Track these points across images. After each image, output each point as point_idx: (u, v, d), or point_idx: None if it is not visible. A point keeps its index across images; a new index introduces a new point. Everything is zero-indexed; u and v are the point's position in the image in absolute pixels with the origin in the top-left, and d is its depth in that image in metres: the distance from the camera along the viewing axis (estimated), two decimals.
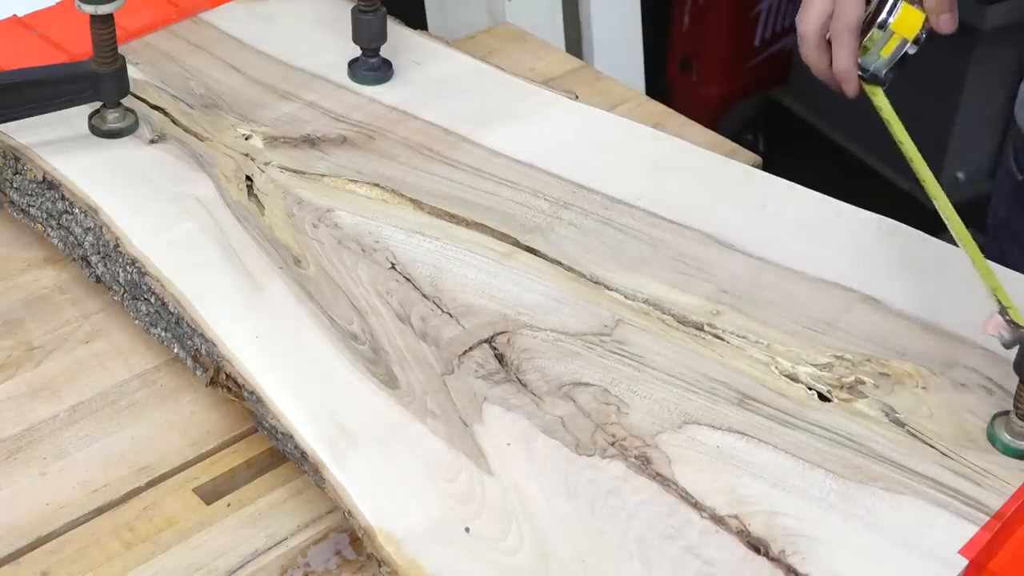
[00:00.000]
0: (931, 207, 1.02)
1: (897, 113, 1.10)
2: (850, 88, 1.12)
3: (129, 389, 1.05)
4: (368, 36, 1.30)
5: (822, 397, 0.96)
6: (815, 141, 2.33)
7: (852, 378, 0.97)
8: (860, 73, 1.11)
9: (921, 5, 1.09)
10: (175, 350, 1.05)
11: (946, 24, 1.10)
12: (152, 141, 1.21)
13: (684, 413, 0.94)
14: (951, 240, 1.08)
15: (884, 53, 1.10)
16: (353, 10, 1.30)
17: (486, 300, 1.04)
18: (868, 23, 1.10)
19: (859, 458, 0.91)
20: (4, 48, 1.34)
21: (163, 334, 1.06)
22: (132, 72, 1.23)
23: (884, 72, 1.10)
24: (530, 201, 1.15)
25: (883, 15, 1.10)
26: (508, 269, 1.07)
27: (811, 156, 2.28)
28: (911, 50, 1.10)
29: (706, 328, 1.02)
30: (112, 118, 1.22)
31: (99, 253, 1.11)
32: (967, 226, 1.00)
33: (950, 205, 1.03)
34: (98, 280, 1.12)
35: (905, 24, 1.10)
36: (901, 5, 1.10)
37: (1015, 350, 0.89)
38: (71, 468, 0.99)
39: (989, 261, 1.00)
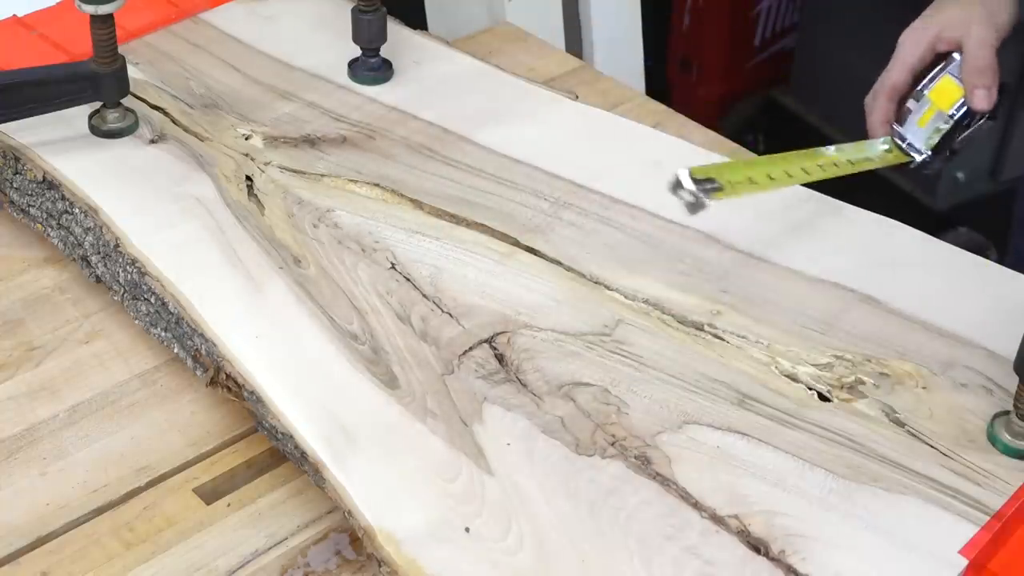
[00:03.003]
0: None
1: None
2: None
3: (129, 389, 1.05)
4: (368, 36, 1.30)
5: (822, 397, 0.96)
6: (815, 141, 2.33)
7: (852, 378, 0.97)
8: (899, 142, 1.11)
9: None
10: (175, 350, 1.05)
11: (980, 100, 1.07)
12: (152, 141, 1.21)
13: (684, 413, 0.94)
14: (952, 240, 1.09)
15: (920, 123, 1.09)
16: (353, 10, 1.30)
17: (486, 300, 1.04)
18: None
19: (859, 458, 0.91)
20: (4, 48, 1.34)
21: (163, 334, 1.06)
22: (132, 72, 1.23)
23: (923, 147, 1.10)
24: (530, 201, 1.14)
25: (922, 84, 1.10)
26: (508, 269, 1.07)
27: None
28: (945, 125, 1.09)
29: (706, 328, 1.02)
30: (112, 118, 1.22)
31: (99, 253, 1.11)
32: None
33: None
34: (98, 280, 1.12)
35: (942, 96, 1.08)
36: (943, 77, 1.09)
37: (1015, 350, 0.89)
38: (71, 468, 0.98)
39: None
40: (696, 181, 0.97)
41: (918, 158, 1.11)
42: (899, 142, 1.11)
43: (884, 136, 1.12)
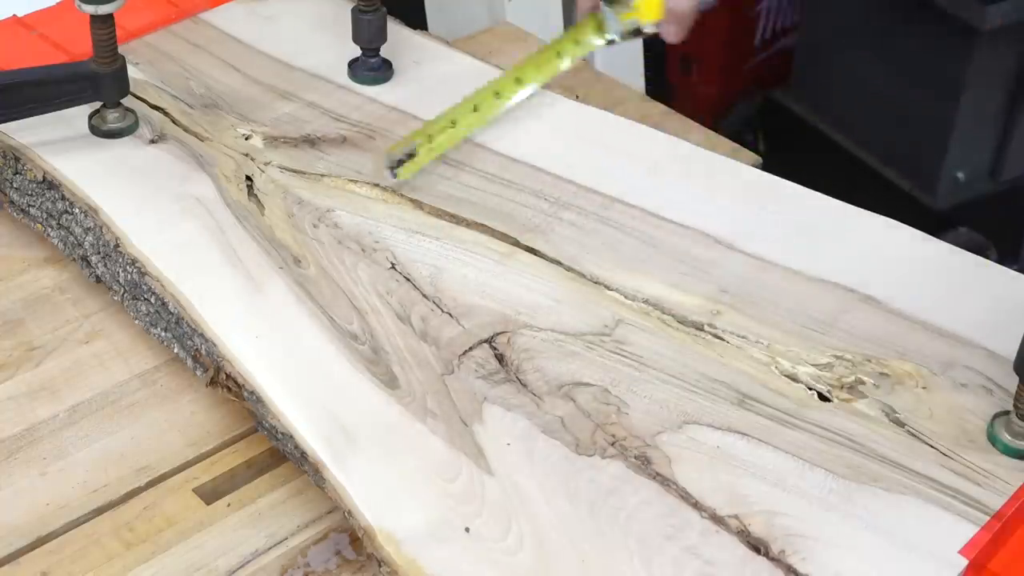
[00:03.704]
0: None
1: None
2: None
3: (129, 389, 1.05)
4: (368, 36, 1.30)
5: (822, 397, 0.96)
6: (815, 141, 2.33)
7: (852, 378, 0.97)
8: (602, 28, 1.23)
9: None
10: (175, 350, 1.05)
11: (668, 35, 1.22)
12: (152, 141, 1.21)
13: (684, 413, 0.94)
14: (952, 240, 1.09)
15: (622, 18, 1.21)
16: (353, 10, 1.30)
17: (486, 300, 1.04)
18: None
19: (859, 458, 0.91)
20: (4, 48, 1.34)
21: (163, 334, 1.06)
22: (132, 72, 1.23)
23: (618, 37, 1.22)
24: (530, 201, 1.15)
25: None
26: (508, 269, 1.07)
27: (811, 156, 2.28)
28: (645, 30, 1.22)
29: (706, 328, 1.02)
30: (112, 118, 1.22)
31: (99, 253, 1.11)
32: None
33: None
34: (98, 280, 1.12)
35: (646, 8, 1.20)
36: None
37: (1015, 350, 0.89)
38: (71, 468, 0.99)
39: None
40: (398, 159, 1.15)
41: (611, 40, 1.23)
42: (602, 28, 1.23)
43: (584, 15, 1.24)
